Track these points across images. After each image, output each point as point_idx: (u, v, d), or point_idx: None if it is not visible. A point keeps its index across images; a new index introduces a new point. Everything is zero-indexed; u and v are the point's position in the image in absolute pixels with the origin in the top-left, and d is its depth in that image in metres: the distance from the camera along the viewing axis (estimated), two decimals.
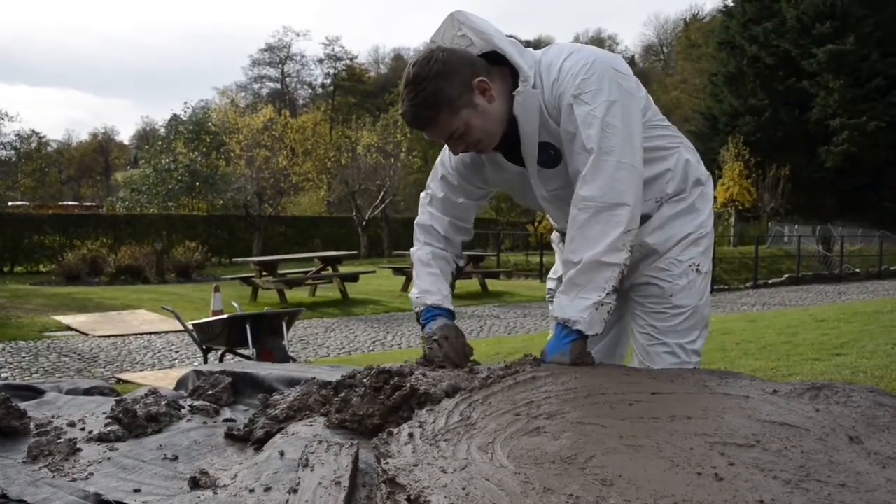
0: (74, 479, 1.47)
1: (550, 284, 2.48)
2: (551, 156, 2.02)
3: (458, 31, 2.00)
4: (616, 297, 1.87)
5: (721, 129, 36.27)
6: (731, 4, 39.79)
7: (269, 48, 65.05)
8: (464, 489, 1.12)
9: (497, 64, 1.98)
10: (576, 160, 1.92)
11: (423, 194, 2.38)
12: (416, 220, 2.37)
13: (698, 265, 2.11)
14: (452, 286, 2.33)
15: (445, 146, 2.22)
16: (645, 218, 2.02)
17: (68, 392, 2.29)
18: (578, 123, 1.88)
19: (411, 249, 2.39)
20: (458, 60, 1.93)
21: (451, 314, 2.24)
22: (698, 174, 2.17)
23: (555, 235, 2.48)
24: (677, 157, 2.13)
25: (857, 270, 23.88)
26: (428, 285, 2.27)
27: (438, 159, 2.34)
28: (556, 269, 2.46)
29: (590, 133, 1.86)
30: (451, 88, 1.89)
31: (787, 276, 21.81)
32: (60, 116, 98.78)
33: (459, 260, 2.37)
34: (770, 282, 21.00)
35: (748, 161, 30.43)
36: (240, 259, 18.56)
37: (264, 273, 14.49)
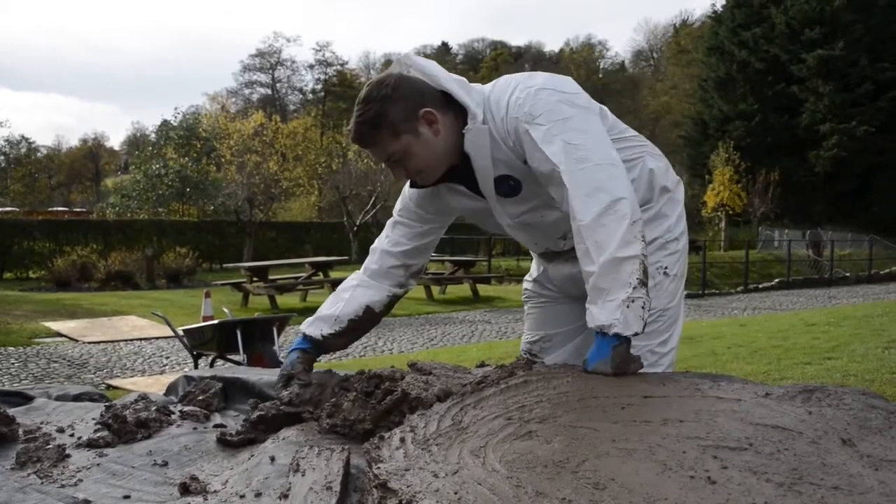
0: (63, 486, 1.46)
1: (527, 285, 2.49)
2: (511, 186, 2.03)
3: (406, 72, 2.03)
4: (646, 290, 1.79)
5: (711, 134, 36.44)
6: (721, 10, 39.99)
7: (260, 54, 65.17)
8: (455, 494, 1.12)
9: (451, 105, 2.00)
10: (553, 181, 1.90)
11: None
12: None
13: (665, 268, 2.11)
14: (378, 316, 2.25)
15: None
16: None
17: (57, 398, 2.28)
18: (539, 145, 1.87)
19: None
20: (409, 88, 1.96)
21: (317, 346, 2.17)
22: (665, 182, 2.16)
23: None
24: (640, 167, 2.12)
25: (847, 274, 23.99)
26: (324, 309, 2.22)
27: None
28: (533, 272, 2.47)
29: (553, 150, 1.86)
30: (394, 113, 1.92)
31: (777, 280, 21.92)
32: (45, 121, 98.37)
33: (399, 289, 2.30)
34: (761, 286, 21.09)
35: (738, 166, 30.59)
36: (231, 265, 18.55)
37: (255, 279, 14.47)
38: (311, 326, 2.19)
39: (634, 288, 1.76)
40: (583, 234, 1.83)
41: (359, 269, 2.33)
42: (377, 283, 2.26)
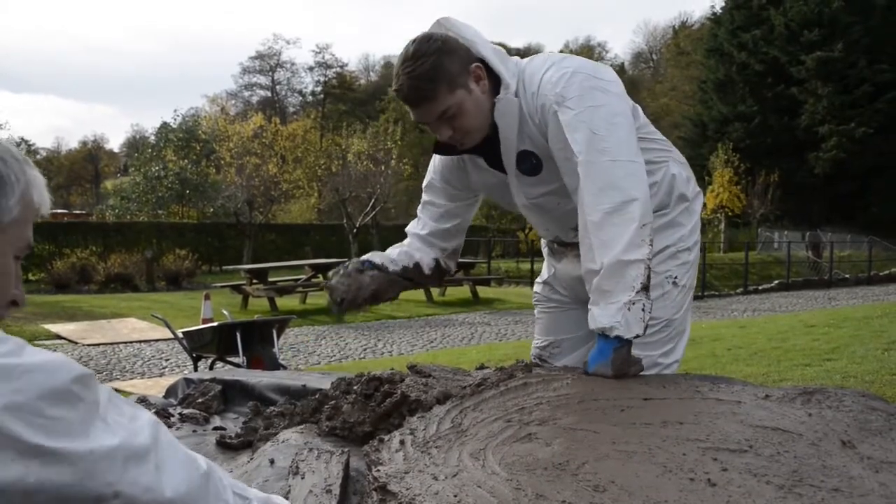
0: None
1: (537, 288, 2.47)
2: (533, 164, 2.02)
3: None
4: (648, 294, 1.79)
5: (710, 136, 36.45)
6: (720, 12, 40.02)
7: (260, 56, 65.07)
8: (455, 496, 1.11)
9: (487, 72, 1.98)
10: (571, 167, 1.88)
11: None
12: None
13: (675, 277, 2.08)
14: (426, 278, 2.31)
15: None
16: None
17: None
18: (564, 129, 1.86)
19: None
20: (457, 43, 1.95)
21: (378, 267, 2.21)
22: (684, 190, 2.13)
23: (544, 240, 2.46)
24: (664, 171, 2.10)
25: (847, 276, 23.96)
26: (383, 252, 2.29)
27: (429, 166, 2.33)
28: (543, 274, 2.46)
29: (576, 137, 1.84)
30: (450, 64, 1.90)
31: (777, 281, 21.89)
32: (44, 123, 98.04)
33: (444, 261, 2.33)
34: (760, 288, 21.06)
35: (738, 167, 30.57)
36: (230, 267, 18.50)
37: (255, 281, 14.45)
38: (372, 255, 2.24)
39: (637, 292, 1.76)
40: (589, 231, 1.82)
41: None
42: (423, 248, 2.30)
